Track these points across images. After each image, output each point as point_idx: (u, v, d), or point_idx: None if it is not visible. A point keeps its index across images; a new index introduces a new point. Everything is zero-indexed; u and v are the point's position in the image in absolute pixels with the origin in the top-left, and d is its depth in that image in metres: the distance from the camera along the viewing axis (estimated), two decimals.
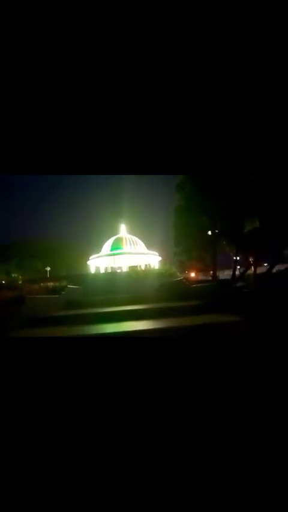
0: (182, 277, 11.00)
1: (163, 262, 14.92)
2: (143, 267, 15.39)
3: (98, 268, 16.20)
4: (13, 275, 17.16)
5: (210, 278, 14.45)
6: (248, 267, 13.26)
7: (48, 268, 32.33)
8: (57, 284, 8.12)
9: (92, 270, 16.11)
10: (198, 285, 9.28)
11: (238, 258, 13.84)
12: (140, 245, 16.08)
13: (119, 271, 15.06)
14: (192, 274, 21.72)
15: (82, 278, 11.11)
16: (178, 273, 13.34)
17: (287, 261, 13.53)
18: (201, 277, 20.30)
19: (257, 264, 12.82)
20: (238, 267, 14.64)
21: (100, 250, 16.53)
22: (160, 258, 15.16)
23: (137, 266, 16.04)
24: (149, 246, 16.37)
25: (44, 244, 44.89)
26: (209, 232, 11.85)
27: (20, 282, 8.62)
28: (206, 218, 10.90)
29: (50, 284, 7.99)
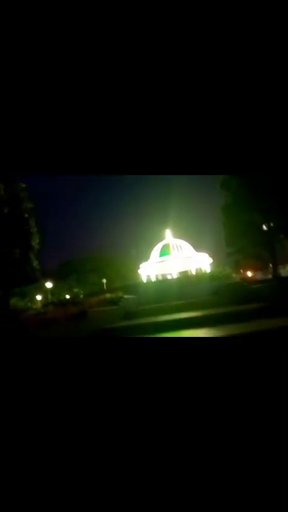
0: (239, 279, 10.33)
1: (215, 264, 14.27)
2: (193, 271, 14.96)
3: (149, 276, 16.42)
4: (75, 290, 18.71)
5: (270, 276, 13.21)
6: None
7: (104, 280, 34.24)
8: (113, 296, 8.55)
9: (144, 278, 16.39)
10: (260, 285, 8.59)
11: None
12: (187, 249, 15.71)
13: (169, 277, 14.98)
14: (249, 274, 20.17)
15: (136, 287, 11.41)
16: (233, 274, 12.55)
17: None
18: (259, 276, 18.71)
19: None
20: None
21: (149, 258, 16.78)
22: (211, 260, 14.54)
23: (187, 271, 15.66)
24: (198, 248, 15.90)
25: (97, 257, 47.89)
26: (264, 228, 10.93)
27: (81, 297, 9.35)
28: (257, 214, 10.10)
29: (108, 296, 8.45)
